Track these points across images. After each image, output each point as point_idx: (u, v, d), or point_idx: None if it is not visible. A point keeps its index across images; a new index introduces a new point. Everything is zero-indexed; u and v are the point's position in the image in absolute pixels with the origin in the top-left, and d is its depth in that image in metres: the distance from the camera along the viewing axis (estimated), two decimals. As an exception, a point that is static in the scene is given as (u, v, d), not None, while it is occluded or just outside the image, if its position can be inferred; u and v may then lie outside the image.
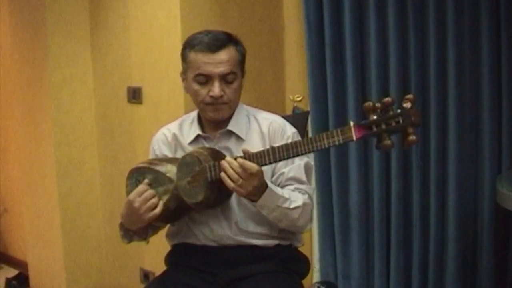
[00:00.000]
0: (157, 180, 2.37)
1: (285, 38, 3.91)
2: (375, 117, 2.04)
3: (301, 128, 2.67)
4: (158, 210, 2.33)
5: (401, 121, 2.03)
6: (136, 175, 2.43)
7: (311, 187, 2.48)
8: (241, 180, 2.17)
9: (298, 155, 2.17)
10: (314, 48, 3.60)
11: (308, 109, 3.64)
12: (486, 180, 3.22)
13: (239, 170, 2.17)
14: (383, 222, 3.52)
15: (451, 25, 3.20)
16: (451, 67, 3.23)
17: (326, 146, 2.11)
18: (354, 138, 2.06)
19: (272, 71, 3.87)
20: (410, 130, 2.03)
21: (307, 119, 3.01)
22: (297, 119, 2.78)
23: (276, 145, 2.19)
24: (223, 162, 2.20)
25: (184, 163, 2.31)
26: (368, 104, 2.05)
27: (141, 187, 2.35)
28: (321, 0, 3.55)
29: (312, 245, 3.81)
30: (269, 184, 2.27)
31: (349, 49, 3.50)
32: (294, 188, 2.38)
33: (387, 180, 3.50)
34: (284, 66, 3.93)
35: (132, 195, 2.34)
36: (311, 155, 3.47)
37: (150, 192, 2.34)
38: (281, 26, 3.90)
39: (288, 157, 2.17)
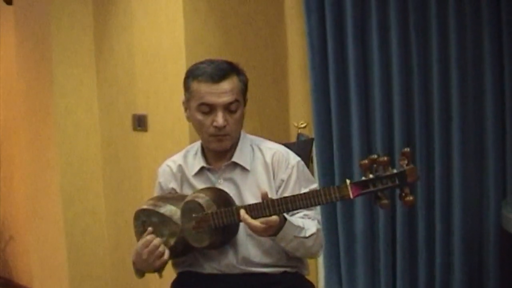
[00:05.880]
0: (163, 222, 2.38)
1: (289, 65, 3.93)
2: (371, 175, 2.07)
3: (305, 155, 2.67)
4: (166, 257, 2.36)
5: (397, 181, 2.05)
6: (142, 216, 2.44)
7: (318, 212, 2.49)
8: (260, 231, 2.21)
9: (294, 209, 2.21)
10: (318, 75, 3.61)
11: (313, 135, 3.65)
12: (491, 204, 3.22)
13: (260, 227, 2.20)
14: (389, 248, 3.51)
15: (454, 44, 3.22)
16: (454, 89, 3.24)
17: (324, 202, 2.16)
18: (351, 196, 2.10)
19: (276, 97, 3.88)
20: (407, 190, 2.07)
21: (311, 146, 3.02)
22: (301, 146, 2.79)
23: (275, 197, 2.24)
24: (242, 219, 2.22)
25: (188, 209, 2.32)
26: (364, 162, 2.08)
27: (147, 239, 2.35)
28: (325, 27, 3.58)
29: (317, 272, 3.80)
30: (287, 217, 2.28)
31: (353, 76, 3.51)
32: (303, 215, 2.38)
33: (392, 205, 3.48)
34: (288, 92, 3.95)
35: (139, 247, 2.36)
36: (315, 176, 3.50)
37: (155, 243, 2.34)
38: (285, 53, 3.93)
39: (287, 211, 2.20)
